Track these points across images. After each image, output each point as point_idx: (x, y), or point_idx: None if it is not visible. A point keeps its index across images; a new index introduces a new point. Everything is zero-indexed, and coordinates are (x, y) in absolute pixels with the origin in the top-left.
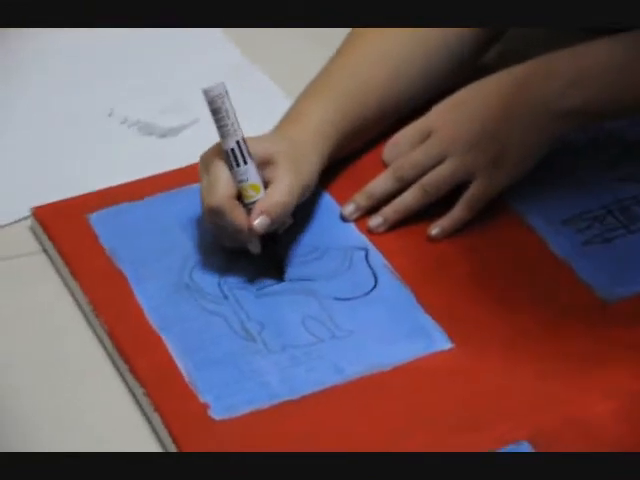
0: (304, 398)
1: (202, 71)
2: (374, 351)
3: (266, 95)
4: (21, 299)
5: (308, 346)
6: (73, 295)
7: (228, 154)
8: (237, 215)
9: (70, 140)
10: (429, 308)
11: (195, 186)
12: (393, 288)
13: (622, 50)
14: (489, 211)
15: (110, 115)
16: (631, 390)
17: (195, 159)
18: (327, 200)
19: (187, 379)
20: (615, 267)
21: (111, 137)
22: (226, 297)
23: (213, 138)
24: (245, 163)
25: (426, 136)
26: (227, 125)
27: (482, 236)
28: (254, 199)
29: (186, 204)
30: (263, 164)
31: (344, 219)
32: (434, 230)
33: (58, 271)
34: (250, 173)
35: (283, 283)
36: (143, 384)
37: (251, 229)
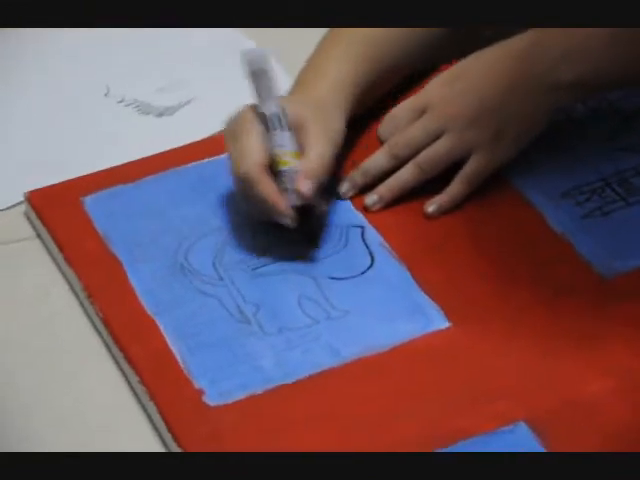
0: (300, 381)
1: (199, 49)
2: (370, 332)
3: None
4: (16, 285)
5: (304, 328)
6: (68, 281)
7: (269, 119)
8: (267, 185)
9: (66, 121)
10: (426, 287)
11: (190, 166)
12: (390, 267)
13: None
14: (487, 186)
15: (106, 95)
16: (630, 367)
17: (191, 139)
18: None
19: (182, 364)
20: (613, 242)
21: (108, 117)
22: (221, 278)
23: (210, 117)
24: (285, 129)
25: (422, 112)
26: (270, 88)
27: (480, 212)
28: (291, 166)
29: (181, 185)
30: (295, 129)
31: (340, 197)
32: (431, 207)
33: (52, 257)
34: (289, 139)
35: (279, 262)
36: (138, 372)
37: (300, 195)
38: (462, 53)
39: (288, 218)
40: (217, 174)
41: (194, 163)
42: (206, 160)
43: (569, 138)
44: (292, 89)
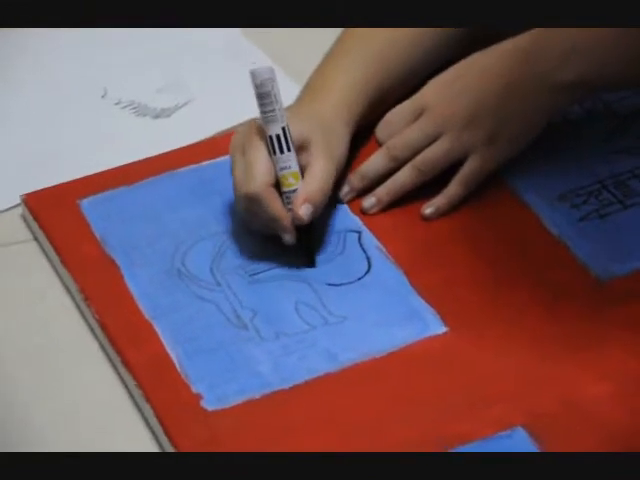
0: (297, 387)
1: (196, 50)
2: (367, 337)
3: None
4: (12, 287)
5: (301, 334)
6: (64, 284)
7: (272, 140)
8: (277, 205)
9: (63, 123)
10: (423, 291)
11: (188, 169)
12: (386, 272)
13: None
14: (484, 189)
15: (104, 97)
16: (628, 371)
17: (189, 140)
18: None
19: (179, 369)
20: (610, 244)
21: (105, 119)
22: (219, 283)
23: (207, 118)
24: (289, 150)
25: (420, 113)
26: (274, 110)
27: (477, 215)
28: (294, 187)
29: (179, 188)
30: (299, 149)
31: (338, 200)
32: (428, 209)
33: (49, 259)
34: (292, 160)
35: (276, 268)
36: (135, 376)
37: (298, 218)
38: (462, 54)
39: (288, 234)
40: (215, 177)
41: (192, 166)
42: (204, 163)
43: (565, 140)
44: (300, 96)
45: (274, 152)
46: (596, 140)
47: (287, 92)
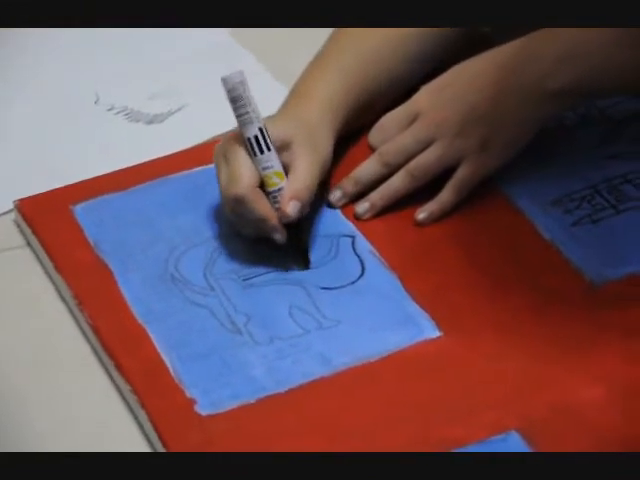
0: (291, 391)
1: (189, 56)
2: (361, 341)
3: (255, 76)
4: (6, 293)
5: (295, 338)
6: (58, 289)
7: (250, 142)
8: (263, 205)
9: (56, 129)
10: (417, 296)
11: (181, 174)
12: (380, 276)
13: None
14: (477, 194)
15: (96, 102)
16: (621, 374)
17: (182, 146)
18: None
19: (173, 373)
20: (603, 249)
21: (98, 125)
22: (212, 288)
23: (200, 124)
24: (269, 150)
25: (413, 119)
26: (248, 113)
27: (470, 220)
28: (279, 186)
29: (172, 193)
30: (280, 149)
31: (331, 206)
32: (421, 215)
33: (42, 265)
34: (274, 160)
35: (270, 273)
36: (129, 381)
37: (285, 216)
38: (454, 59)
39: (279, 233)
40: (208, 183)
41: (185, 172)
42: (198, 169)
43: (559, 145)
44: (286, 100)
45: (254, 153)
46: (589, 145)
47: (275, 95)
